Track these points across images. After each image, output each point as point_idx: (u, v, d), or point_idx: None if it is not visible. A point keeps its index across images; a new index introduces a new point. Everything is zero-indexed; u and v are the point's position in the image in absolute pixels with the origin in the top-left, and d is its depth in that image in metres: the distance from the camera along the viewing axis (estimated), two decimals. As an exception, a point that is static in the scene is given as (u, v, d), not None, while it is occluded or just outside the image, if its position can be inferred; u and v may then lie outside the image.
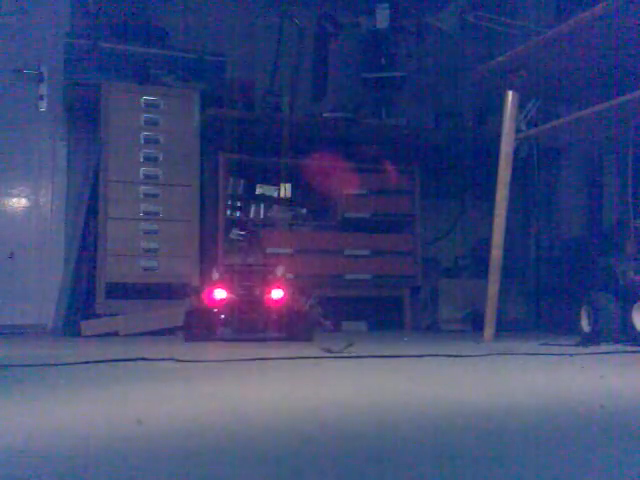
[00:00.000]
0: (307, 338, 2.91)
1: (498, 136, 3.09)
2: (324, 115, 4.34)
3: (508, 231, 3.11)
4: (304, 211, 4.37)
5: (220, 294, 2.94)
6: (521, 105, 3.13)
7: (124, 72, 3.98)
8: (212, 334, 2.96)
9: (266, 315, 2.91)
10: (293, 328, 2.93)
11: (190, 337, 2.94)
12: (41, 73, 4.30)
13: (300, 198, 4.43)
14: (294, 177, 4.40)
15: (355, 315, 4.34)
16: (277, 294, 2.94)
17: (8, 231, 4.26)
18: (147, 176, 3.79)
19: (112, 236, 3.69)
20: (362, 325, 4.23)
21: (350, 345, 2.31)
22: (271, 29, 4.63)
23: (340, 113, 4.37)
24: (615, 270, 2.89)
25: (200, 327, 2.94)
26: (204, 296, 2.99)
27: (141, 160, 3.79)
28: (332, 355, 2.16)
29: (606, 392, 1.39)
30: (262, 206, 4.27)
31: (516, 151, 3.12)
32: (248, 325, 2.93)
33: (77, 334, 3.52)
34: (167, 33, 4.34)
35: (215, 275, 3.00)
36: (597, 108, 2.72)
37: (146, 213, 3.77)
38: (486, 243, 3.31)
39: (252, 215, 4.25)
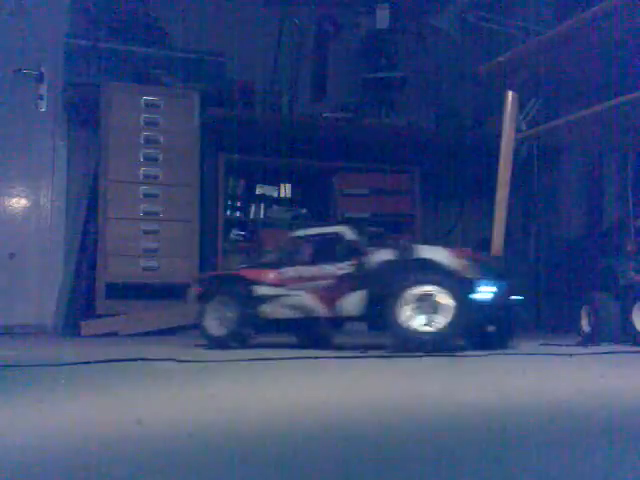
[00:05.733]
0: None
1: (498, 136, 3.09)
2: (324, 115, 4.34)
3: (508, 231, 3.10)
4: (304, 211, 4.37)
5: None
6: (521, 105, 3.13)
7: (124, 72, 3.98)
8: None
9: None
10: None
11: None
12: (41, 73, 4.30)
13: (300, 198, 4.43)
14: (294, 177, 4.40)
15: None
16: None
17: (8, 231, 4.26)
18: (147, 176, 3.79)
19: (112, 236, 3.69)
20: (362, 325, 4.22)
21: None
22: (271, 29, 4.63)
23: (340, 113, 4.37)
24: (615, 270, 2.89)
25: None
26: None
27: (141, 160, 3.79)
28: (332, 355, 2.16)
29: (606, 392, 1.39)
30: (262, 206, 4.27)
31: (516, 151, 3.11)
32: None
33: (77, 334, 3.53)
34: (167, 33, 4.34)
35: None
36: (597, 108, 2.72)
37: (146, 213, 3.77)
38: (486, 243, 3.31)
39: (252, 215, 4.25)
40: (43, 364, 1.90)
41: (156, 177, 3.81)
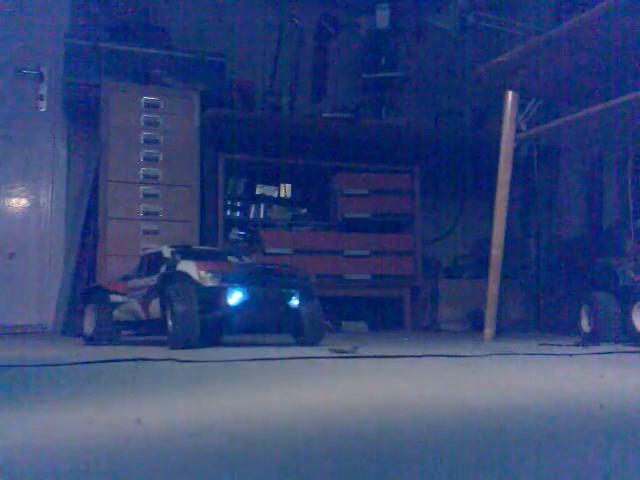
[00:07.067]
0: None
1: (498, 136, 3.09)
2: (324, 115, 4.34)
3: (508, 231, 3.10)
4: (304, 211, 4.37)
5: None
6: (521, 105, 3.13)
7: (124, 72, 3.98)
8: None
9: None
10: None
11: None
12: (41, 73, 4.30)
13: (300, 198, 4.44)
14: (294, 177, 4.40)
15: (355, 315, 4.34)
16: None
17: (8, 231, 4.26)
18: (147, 176, 3.79)
19: (112, 236, 3.69)
20: (362, 325, 4.23)
21: (357, 347, 2.31)
22: (271, 29, 4.63)
23: (340, 113, 4.37)
24: (615, 270, 2.89)
25: None
26: None
27: (141, 160, 3.79)
28: (332, 355, 2.16)
29: (606, 392, 1.39)
30: (262, 206, 4.27)
31: (516, 151, 3.11)
32: None
33: (77, 334, 3.52)
34: (167, 33, 4.35)
35: None
36: (597, 108, 2.72)
37: (146, 213, 3.77)
38: (486, 243, 3.31)
39: (252, 215, 4.25)
40: (43, 364, 1.90)
41: (156, 177, 3.81)
